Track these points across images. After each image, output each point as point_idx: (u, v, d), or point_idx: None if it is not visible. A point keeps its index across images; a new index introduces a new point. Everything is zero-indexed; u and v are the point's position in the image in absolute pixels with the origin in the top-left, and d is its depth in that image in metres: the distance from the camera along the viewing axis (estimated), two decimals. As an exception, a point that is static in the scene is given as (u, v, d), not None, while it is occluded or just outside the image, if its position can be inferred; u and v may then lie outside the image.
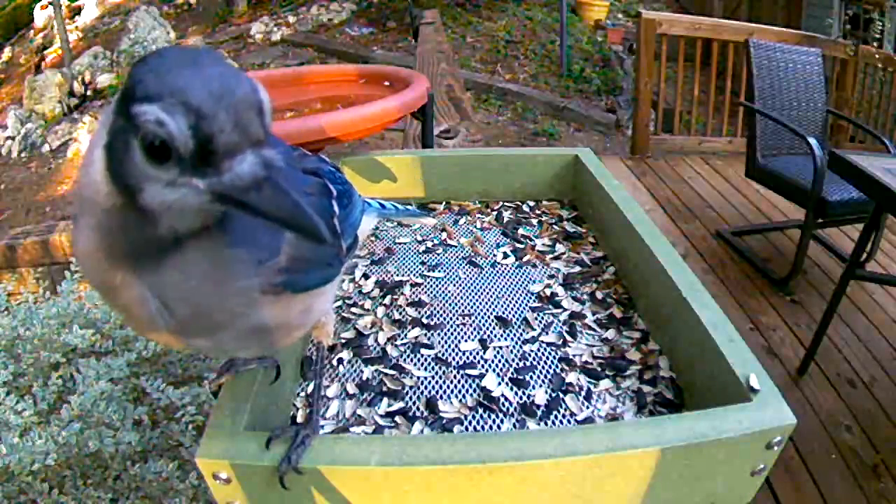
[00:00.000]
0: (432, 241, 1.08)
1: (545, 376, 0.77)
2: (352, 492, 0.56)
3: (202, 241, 0.45)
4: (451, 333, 0.85)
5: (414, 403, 0.74)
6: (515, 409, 0.72)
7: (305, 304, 0.57)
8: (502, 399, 0.74)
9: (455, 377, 0.77)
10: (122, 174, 0.41)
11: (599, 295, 0.93)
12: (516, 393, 0.75)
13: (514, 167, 1.19)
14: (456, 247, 1.07)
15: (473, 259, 1.03)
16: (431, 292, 0.95)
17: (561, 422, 0.71)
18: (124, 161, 0.40)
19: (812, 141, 2.52)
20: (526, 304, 0.91)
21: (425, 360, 0.81)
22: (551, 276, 0.98)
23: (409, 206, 0.97)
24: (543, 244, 1.06)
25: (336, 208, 0.61)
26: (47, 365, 1.17)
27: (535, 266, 1.01)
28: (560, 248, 1.05)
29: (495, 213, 1.17)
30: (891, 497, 1.77)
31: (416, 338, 0.84)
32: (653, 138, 4.16)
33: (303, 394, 0.76)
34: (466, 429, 0.70)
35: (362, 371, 0.79)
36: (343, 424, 0.71)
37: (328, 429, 0.70)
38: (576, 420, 0.71)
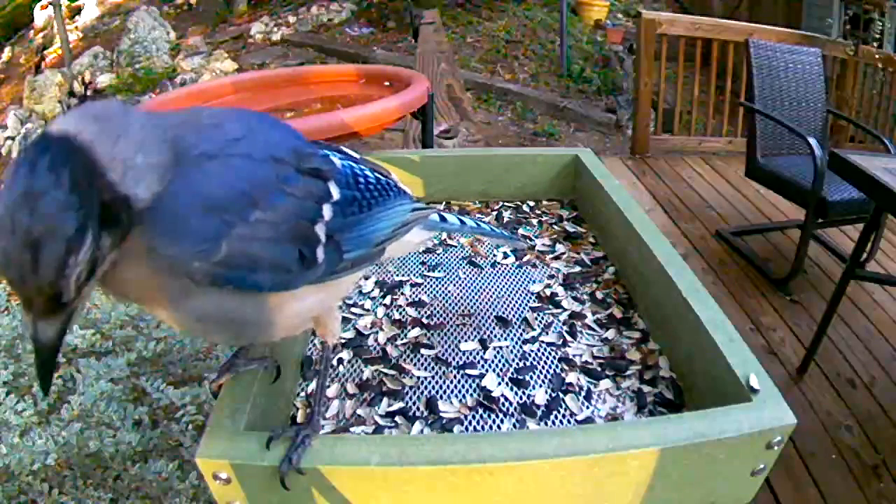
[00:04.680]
0: (432, 240, 1.08)
1: (545, 376, 0.77)
2: (352, 492, 0.56)
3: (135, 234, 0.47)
4: (451, 333, 0.85)
5: (414, 403, 0.74)
6: (515, 409, 0.73)
7: (273, 303, 0.55)
8: (502, 399, 0.74)
9: (455, 377, 0.77)
10: None
11: (599, 295, 0.93)
12: (516, 393, 0.75)
13: (514, 167, 1.19)
14: (456, 247, 1.07)
15: (473, 259, 1.03)
16: (431, 292, 0.95)
17: (561, 422, 0.71)
18: None
19: (812, 141, 2.52)
20: (526, 304, 0.91)
21: (425, 360, 0.81)
22: (551, 276, 0.98)
23: (484, 225, 0.87)
24: (543, 244, 1.06)
25: (327, 214, 0.58)
26: (47, 365, 1.16)
27: (535, 266, 1.01)
28: (560, 248, 1.05)
29: (495, 213, 1.17)
30: (891, 497, 1.77)
31: (416, 338, 0.84)
32: (653, 138, 4.16)
33: (303, 394, 0.76)
34: (466, 429, 0.70)
35: (362, 371, 0.79)
36: (343, 424, 0.71)
37: (328, 429, 0.70)
38: (576, 420, 0.71)
